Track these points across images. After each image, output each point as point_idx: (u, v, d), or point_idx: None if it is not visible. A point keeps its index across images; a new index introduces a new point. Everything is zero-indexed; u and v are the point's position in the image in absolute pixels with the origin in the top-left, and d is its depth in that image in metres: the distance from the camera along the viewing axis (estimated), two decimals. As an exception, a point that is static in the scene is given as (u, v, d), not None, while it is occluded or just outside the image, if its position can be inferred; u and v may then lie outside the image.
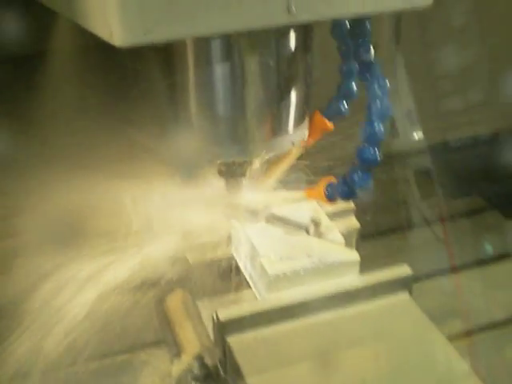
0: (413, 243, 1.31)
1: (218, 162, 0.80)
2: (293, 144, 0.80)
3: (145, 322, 0.93)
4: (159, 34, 0.57)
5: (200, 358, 0.85)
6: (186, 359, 0.90)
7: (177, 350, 0.93)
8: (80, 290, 0.86)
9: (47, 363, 0.84)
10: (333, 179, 0.86)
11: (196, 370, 0.85)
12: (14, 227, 0.85)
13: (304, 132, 0.82)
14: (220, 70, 0.70)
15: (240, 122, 0.74)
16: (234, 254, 0.90)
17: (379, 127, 0.76)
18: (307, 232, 0.87)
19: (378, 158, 0.77)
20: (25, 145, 0.93)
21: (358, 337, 0.81)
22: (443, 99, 1.41)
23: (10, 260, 0.87)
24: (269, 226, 0.88)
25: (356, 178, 0.79)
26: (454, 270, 1.21)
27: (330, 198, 0.86)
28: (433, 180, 1.35)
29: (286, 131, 0.78)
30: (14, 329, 0.84)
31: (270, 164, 0.89)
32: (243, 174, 0.83)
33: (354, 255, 0.84)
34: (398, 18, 1.25)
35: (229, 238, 0.90)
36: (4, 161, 0.91)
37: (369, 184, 0.80)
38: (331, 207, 0.90)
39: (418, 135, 1.43)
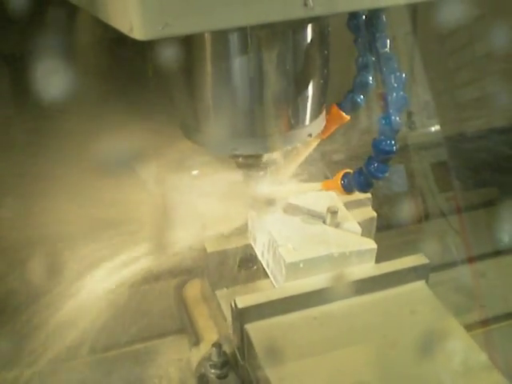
0: (429, 234, 1.31)
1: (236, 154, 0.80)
2: (310, 136, 0.80)
3: (164, 311, 0.94)
4: (178, 28, 0.58)
5: (218, 346, 0.87)
6: (205, 347, 0.92)
7: (195, 339, 0.95)
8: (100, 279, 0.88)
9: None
10: (350, 171, 0.86)
11: (214, 358, 0.87)
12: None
13: (321, 124, 0.83)
14: (237, 63, 0.70)
15: (257, 115, 0.74)
16: (252, 243, 0.91)
17: (395, 119, 0.76)
18: (324, 221, 0.88)
19: (395, 150, 0.78)
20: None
21: (375, 325, 0.82)
22: (460, 90, 1.41)
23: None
24: (286, 216, 0.89)
25: (372, 169, 0.80)
26: (470, 260, 1.21)
27: (347, 189, 0.86)
28: (449, 171, 1.35)
29: (304, 123, 0.78)
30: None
31: (288, 155, 0.90)
32: (261, 167, 0.83)
33: (370, 244, 0.85)
34: (414, 10, 1.25)
35: (246, 228, 0.91)
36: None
37: (385, 175, 0.80)
38: (348, 197, 0.90)
39: (435, 127, 1.43)
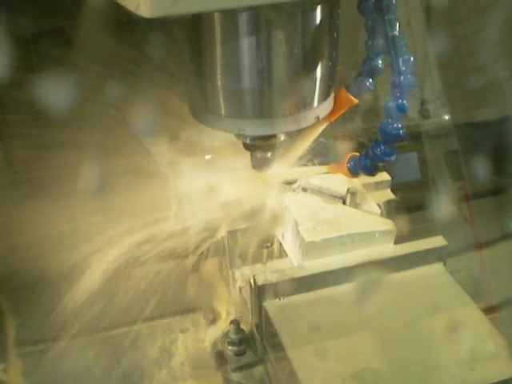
0: (439, 221, 1.31)
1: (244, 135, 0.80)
2: (317, 119, 0.80)
3: (182, 289, 0.95)
4: (186, 6, 0.57)
5: (236, 323, 0.87)
6: (222, 325, 0.93)
7: (213, 317, 0.96)
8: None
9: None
10: (356, 154, 0.86)
11: (232, 335, 0.87)
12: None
13: (329, 107, 0.82)
14: (246, 43, 0.70)
15: (265, 96, 0.74)
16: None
17: (403, 102, 0.76)
18: (344, 202, 0.88)
19: (401, 133, 0.78)
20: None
21: (393, 305, 0.82)
22: (473, 78, 1.41)
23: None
24: (306, 195, 0.89)
25: (379, 152, 0.80)
26: (480, 246, 1.21)
27: (353, 172, 0.86)
28: (462, 160, 1.35)
29: (311, 106, 0.78)
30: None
31: (295, 138, 0.90)
32: (268, 148, 0.83)
33: (389, 225, 0.85)
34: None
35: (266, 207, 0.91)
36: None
37: (391, 159, 0.80)
38: (368, 179, 0.90)
39: (447, 115, 1.43)
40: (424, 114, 1.42)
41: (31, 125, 0.92)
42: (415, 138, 1.30)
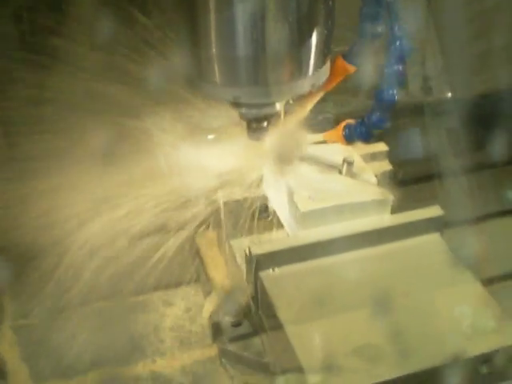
0: (442, 192, 1.31)
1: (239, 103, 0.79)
2: (313, 87, 0.79)
3: (178, 261, 0.94)
4: None
5: (232, 295, 0.87)
6: (219, 296, 0.92)
7: (209, 288, 0.96)
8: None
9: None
10: (351, 121, 0.86)
11: (228, 306, 0.87)
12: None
13: (325, 75, 0.81)
14: (240, 9, 0.69)
15: (260, 63, 0.73)
16: (267, 193, 0.91)
17: (398, 68, 0.76)
18: (340, 171, 0.88)
19: (396, 99, 0.77)
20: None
21: (389, 275, 0.82)
22: (476, 54, 1.39)
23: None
24: (302, 165, 0.89)
25: (374, 118, 0.80)
26: (481, 218, 1.20)
27: (348, 139, 0.86)
28: (463, 132, 1.34)
29: (307, 73, 0.77)
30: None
31: (291, 106, 0.89)
32: (264, 118, 0.82)
33: (386, 194, 0.85)
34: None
35: (261, 178, 0.91)
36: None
37: (386, 125, 0.80)
38: (365, 150, 0.90)
39: (451, 92, 1.42)
40: (427, 91, 1.41)
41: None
42: (418, 114, 1.30)
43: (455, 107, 1.40)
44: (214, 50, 0.73)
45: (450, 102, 1.42)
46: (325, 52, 0.78)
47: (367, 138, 0.83)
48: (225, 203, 0.90)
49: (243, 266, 0.87)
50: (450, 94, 1.43)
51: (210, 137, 0.94)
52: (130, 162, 0.90)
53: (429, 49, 1.34)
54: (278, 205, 0.89)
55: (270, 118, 0.83)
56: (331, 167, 0.88)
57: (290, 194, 0.84)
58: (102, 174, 0.90)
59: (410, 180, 1.26)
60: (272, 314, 0.80)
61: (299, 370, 0.72)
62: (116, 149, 0.88)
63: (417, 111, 1.29)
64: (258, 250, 0.81)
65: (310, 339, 0.75)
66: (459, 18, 1.35)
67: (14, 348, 0.93)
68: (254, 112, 0.81)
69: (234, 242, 0.92)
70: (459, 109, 1.38)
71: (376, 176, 0.88)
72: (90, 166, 0.89)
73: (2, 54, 0.89)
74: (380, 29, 0.80)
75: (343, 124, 0.86)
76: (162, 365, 0.90)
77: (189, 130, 0.93)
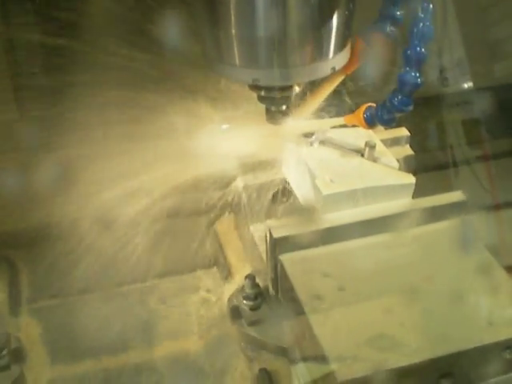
0: (456, 182, 1.30)
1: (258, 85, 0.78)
2: (333, 70, 0.77)
3: (197, 245, 0.94)
4: None
5: (251, 278, 0.87)
6: (238, 280, 0.92)
7: (228, 272, 0.95)
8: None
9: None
10: (372, 105, 0.85)
11: (247, 289, 0.87)
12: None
13: (345, 58, 0.79)
14: None
15: (280, 45, 0.72)
16: (287, 177, 0.90)
17: (421, 50, 0.75)
18: (362, 155, 0.87)
19: (419, 82, 0.76)
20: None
21: (411, 260, 0.81)
22: (492, 43, 1.38)
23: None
24: (323, 149, 0.88)
25: (396, 101, 0.78)
26: (496, 207, 1.20)
27: (369, 123, 0.85)
28: (479, 121, 1.34)
29: (327, 56, 0.76)
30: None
31: (310, 90, 0.88)
32: (283, 101, 0.81)
33: (408, 178, 0.84)
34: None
35: (281, 161, 0.90)
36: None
37: (409, 108, 0.79)
38: (386, 134, 0.89)
39: (467, 83, 1.41)
40: (443, 82, 1.40)
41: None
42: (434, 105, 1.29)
43: (474, 97, 1.39)
44: (232, 30, 0.72)
45: (469, 92, 1.41)
46: (345, 34, 0.77)
47: (389, 122, 0.82)
48: (244, 187, 0.89)
49: (263, 250, 0.87)
50: (467, 85, 1.42)
51: (225, 127, 0.94)
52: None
53: (446, 40, 1.32)
54: (299, 188, 0.88)
55: (289, 101, 0.82)
56: (352, 151, 0.88)
57: (312, 178, 0.84)
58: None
59: (427, 168, 1.26)
60: (292, 298, 0.79)
61: (322, 357, 0.71)
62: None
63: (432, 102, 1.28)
64: (278, 233, 0.80)
65: (330, 323, 0.74)
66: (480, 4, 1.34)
67: (32, 330, 0.93)
68: (272, 95, 0.80)
69: (254, 226, 0.92)
70: (478, 98, 1.37)
71: (397, 161, 0.88)
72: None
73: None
74: (399, 13, 0.80)
75: (364, 107, 0.84)
76: (181, 347, 0.90)
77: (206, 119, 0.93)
